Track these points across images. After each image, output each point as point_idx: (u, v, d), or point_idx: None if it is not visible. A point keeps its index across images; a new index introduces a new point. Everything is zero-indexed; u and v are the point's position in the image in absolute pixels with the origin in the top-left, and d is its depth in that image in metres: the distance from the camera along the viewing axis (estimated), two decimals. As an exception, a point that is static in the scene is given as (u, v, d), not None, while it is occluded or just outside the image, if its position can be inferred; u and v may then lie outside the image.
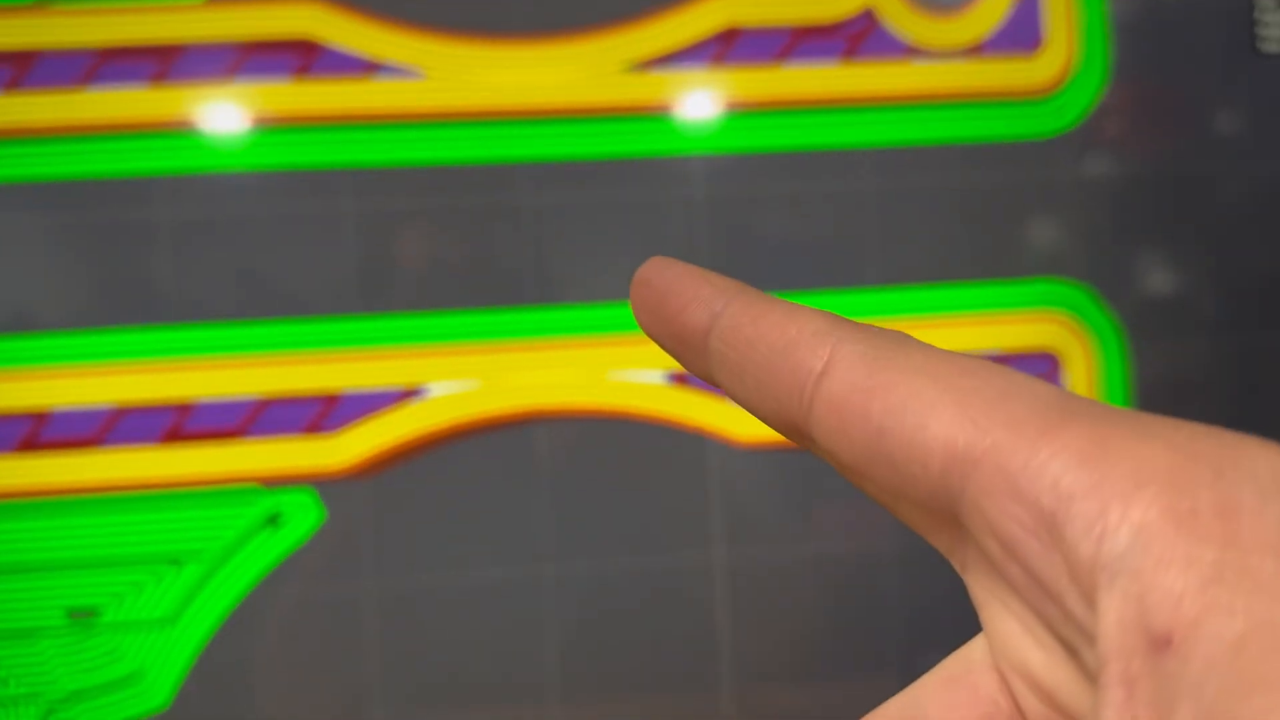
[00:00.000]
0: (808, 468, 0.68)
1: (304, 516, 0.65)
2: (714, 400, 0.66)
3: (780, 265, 0.68)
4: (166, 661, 0.64)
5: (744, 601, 0.67)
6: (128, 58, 0.64)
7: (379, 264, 0.65)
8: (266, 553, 0.64)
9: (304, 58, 0.64)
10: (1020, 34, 0.68)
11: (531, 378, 0.66)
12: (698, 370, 0.20)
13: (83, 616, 0.64)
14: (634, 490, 0.67)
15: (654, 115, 0.67)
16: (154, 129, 0.64)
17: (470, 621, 0.66)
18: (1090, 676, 0.13)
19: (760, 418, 0.18)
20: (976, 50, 0.68)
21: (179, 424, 0.64)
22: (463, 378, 0.66)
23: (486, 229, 0.66)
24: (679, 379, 0.66)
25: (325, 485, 0.65)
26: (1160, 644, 0.12)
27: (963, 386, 0.15)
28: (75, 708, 0.63)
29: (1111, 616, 0.12)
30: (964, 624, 0.69)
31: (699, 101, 0.67)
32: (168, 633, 0.64)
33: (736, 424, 0.67)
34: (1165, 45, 0.70)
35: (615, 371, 0.66)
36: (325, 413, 0.65)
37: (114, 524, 0.64)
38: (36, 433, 0.63)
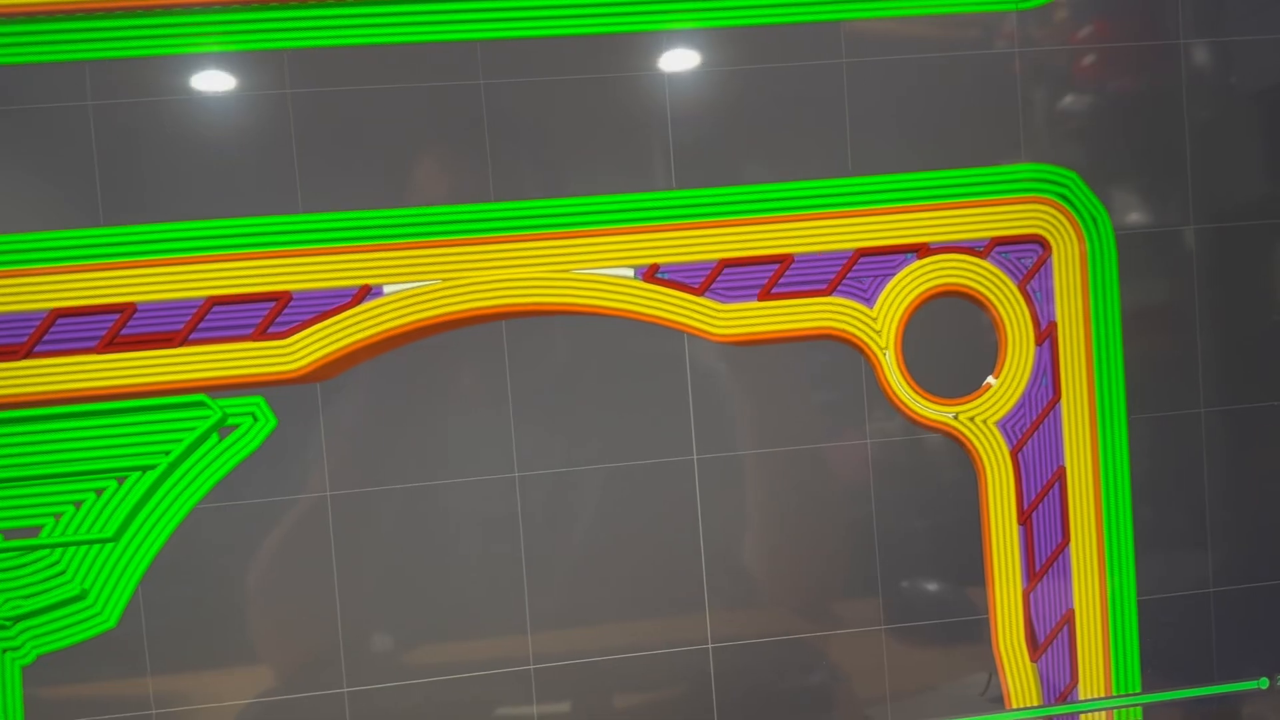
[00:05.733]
0: (788, 373, 0.65)
1: (254, 425, 0.61)
2: (687, 295, 0.63)
3: (753, 153, 0.64)
4: (114, 581, 0.60)
5: (727, 511, 0.65)
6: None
7: (326, 156, 0.61)
8: (215, 465, 0.61)
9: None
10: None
11: (494, 275, 0.62)
12: None
13: (20, 537, 0.60)
14: (608, 393, 0.64)
15: (617, -8, 0.62)
16: (76, 13, 0.59)
17: (437, 537, 0.63)
18: None
19: None
20: (959, -83, 0.64)
21: (118, 329, 0.60)
22: (420, 276, 0.62)
23: (438, 117, 0.62)
24: (650, 273, 0.63)
25: (276, 392, 0.61)
26: None
27: None
28: (17, 630, 0.59)
29: None
30: (955, 533, 0.65)
31: (665, -23, 0.63)
32: (113, 551, 0.60)
33: (710, 320, 0.63)
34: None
35: (582, 267, 0.63)
36: (274, 315, 0.61)
37: (50, 438, 0.60)
38: (-38, 340, 0.59)
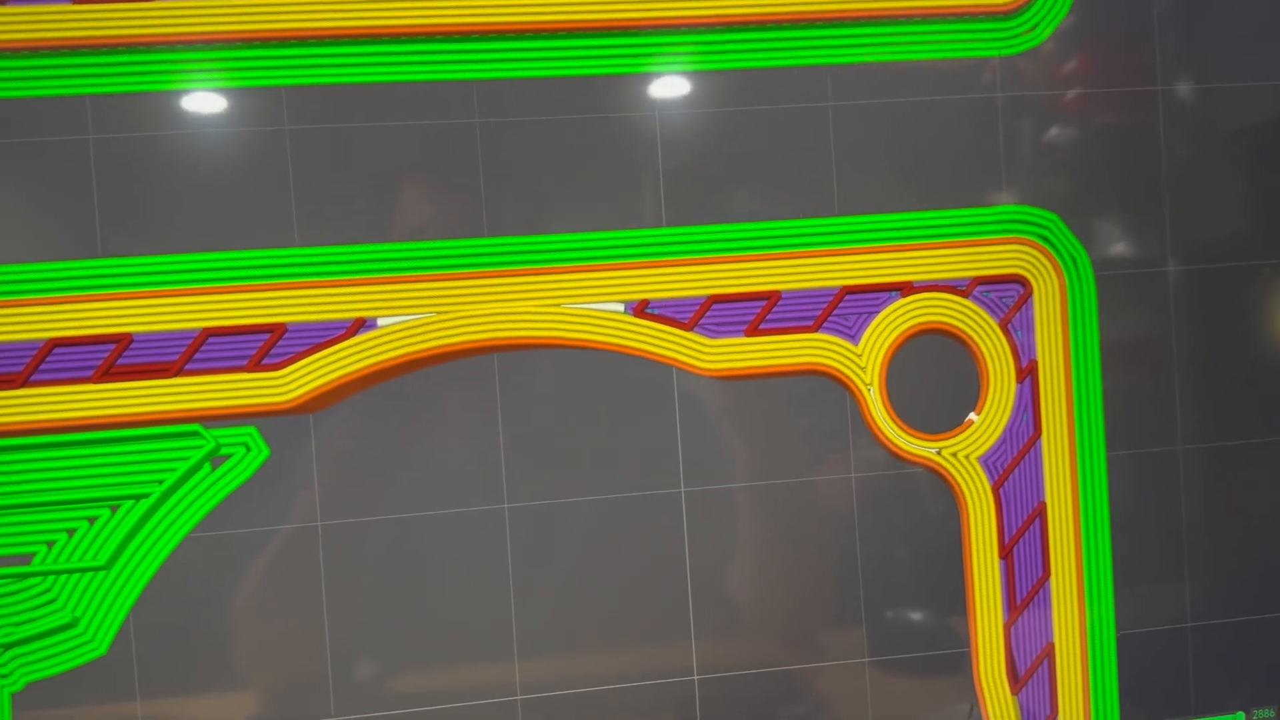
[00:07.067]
0: (770, 405, 0.66)
1: (247, 455, 0.62)
2: (675, 330, 0.64)
3: (742, 192, 0.65)
4: (105, 609, 0.61)
5: (714, 542, 0.65)
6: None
7: (323, 191, 0.62)
8: (208, 494, 0.61)
9: (240, -27, 0.61)
10: (987, -48, 0.66)
11: (486, 309, 0.63)
12: None
13: (14, 564, 0.60)
14: (597, 425, 0.65)
15: (610, 33, 0.64)
16: (78, 49, 0.60)
17: (427, 567, 0.63)
18: None
19: None
20: (943, -35, 0.66)
21: (113, 359, 0.60)
22: (414, 310, 0.63)
23: (434, 154, 0.63)
24: (640, 308, 0.64)
25: (269, 422, 0.62)
26: None
27: None
28: (8, 657, 0.60)
29: None
30: (937, 566, 0.67)
31: (656, 19, 0.64)
32: (105, 579, 0.61)
33: (698, 355, 0.64)
34: (1135, -35, 0.68)
35: (573, 302, 0.64)
36: (269, 346, 0.61)
37: (44, 467, 0.60)
38: (-41, 369, 0.59)
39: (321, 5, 0.61)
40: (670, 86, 0.65)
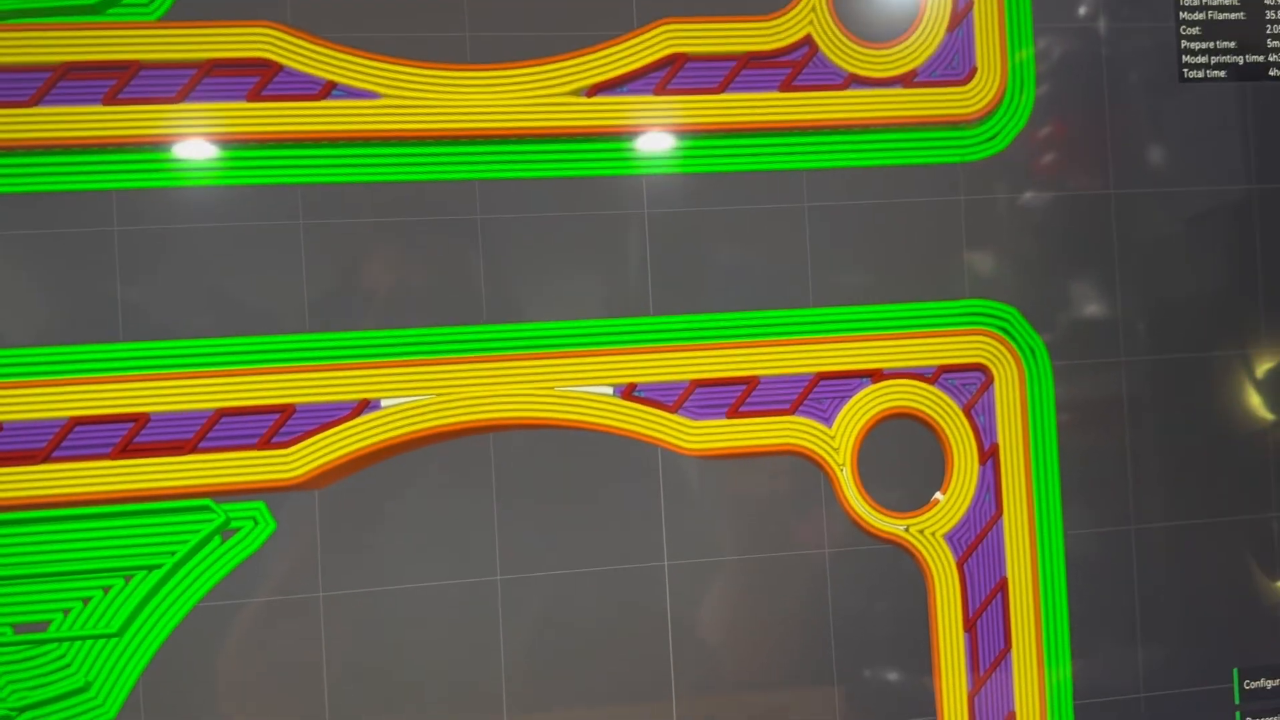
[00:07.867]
0: (753, 478, 0.70)
1: (255, 529, 0.65)
2: (661, 412, 0.69)
3: (724, 284, 0.70)
4: (116, 674, 0.64)
5: (694, 612, 0.69)
6: (81, 75, 0.64)
7: (333, 281, 0.67)
8: (217, 565, 0.65)
9: (259, 79, 0.66)
10: (953, 63, 0.72)
11: (482, 391, 0.67)
12: None
13: (30, 631, 0.64)
14: (587, 501, 0.69)
15: (603, 138, 0.69)
16: (106, 147, 0.65)
17: (423, 635, 0.67)
18: None
19: None
20: (911, 78, 0.71)
21: (131, 437, 0.64)
22: (415, 391, 0.67)
23: (438, 247, 0.68)
24: (628, 392, 0.68)
25: (276, 497, 0.65)
26: None
27: None
28: (22, 721, 0.63)
29: None
30: (905, 636, 0.71)
31: (646, 126, 0.69)
32: (117, 645, 0.64)
33: (682, 436, 0.69)
34: (1092, 73, 0.74)
35: (564, 384, 0.68)
36: (278, 426, 0.65)
37: (63, 538, 0.64)
38: (-14, 446, 0.63)
39: (336, 111, 0.66)
40: (660, 186, 0.69)
